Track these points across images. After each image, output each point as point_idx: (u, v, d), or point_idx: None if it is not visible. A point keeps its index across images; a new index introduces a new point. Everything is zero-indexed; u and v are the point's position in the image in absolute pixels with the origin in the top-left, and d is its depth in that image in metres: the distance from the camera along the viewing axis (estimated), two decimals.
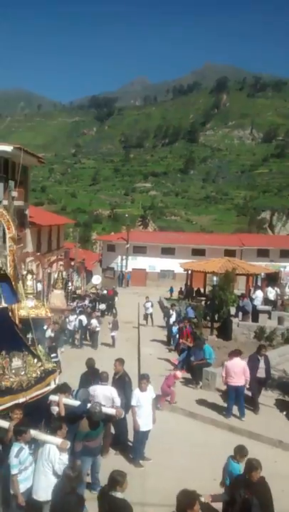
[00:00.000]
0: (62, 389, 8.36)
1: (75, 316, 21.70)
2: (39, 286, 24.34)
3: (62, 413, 7.88)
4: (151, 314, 26.57)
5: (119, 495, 5.58)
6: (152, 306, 26.83)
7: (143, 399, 9.30)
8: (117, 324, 21.65)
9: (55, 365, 9.48)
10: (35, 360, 8.31)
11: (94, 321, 21.28)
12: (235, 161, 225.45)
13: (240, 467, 6.83)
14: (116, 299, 31.49)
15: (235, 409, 12.03)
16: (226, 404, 12.35)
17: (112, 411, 8.54)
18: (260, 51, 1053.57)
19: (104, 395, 9.07)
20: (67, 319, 21.32)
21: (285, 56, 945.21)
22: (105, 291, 33.26)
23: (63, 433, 6.91)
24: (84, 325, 21.31)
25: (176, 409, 12.60)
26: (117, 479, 5.60)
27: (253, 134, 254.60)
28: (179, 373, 13.70)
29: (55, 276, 26.08)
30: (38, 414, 7.62)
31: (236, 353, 12.36)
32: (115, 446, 9.82)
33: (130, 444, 9.91)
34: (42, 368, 8.30)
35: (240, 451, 7.03)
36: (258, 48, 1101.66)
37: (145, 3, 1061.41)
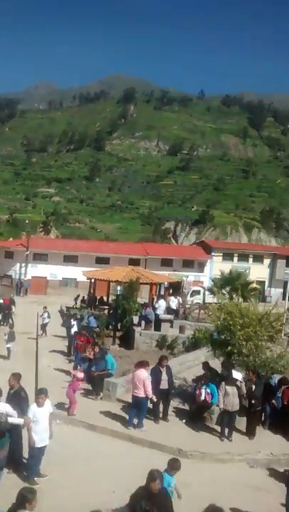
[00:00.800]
0: None
1: None
2: None
3: None
4: (46, 324, 25.65)
5: None
6: (49, 316, 25.87)
7: (40, 414, 8.94)
8: (14, 335, 20.56)
9: None
10: None
11: None
12: (141, 171, 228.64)
13: (173, 479, 6.99)
14: (13, 308, 30.13)
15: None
16: (126, 415, 12.22)
17: (19, 421, 8.37)
18: (167, 66, 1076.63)
19: None
20: None
21: (190, 73, 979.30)
22: (1, 300, 31.68)
23: None
24: None
25: (74, 422, 12.21)
26: (26, 496, 5.40)
27: (159, 146, 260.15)
28: (79, 373, 13.44)
29: None
30: None
31: (142, 364, 12.29)
32: (8, 464, 9.21)
33: (25, 461, 9.41)
34: None
35: (172, 464, 7.10)
36: (165, 63, 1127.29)
37: (55, 9, 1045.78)
